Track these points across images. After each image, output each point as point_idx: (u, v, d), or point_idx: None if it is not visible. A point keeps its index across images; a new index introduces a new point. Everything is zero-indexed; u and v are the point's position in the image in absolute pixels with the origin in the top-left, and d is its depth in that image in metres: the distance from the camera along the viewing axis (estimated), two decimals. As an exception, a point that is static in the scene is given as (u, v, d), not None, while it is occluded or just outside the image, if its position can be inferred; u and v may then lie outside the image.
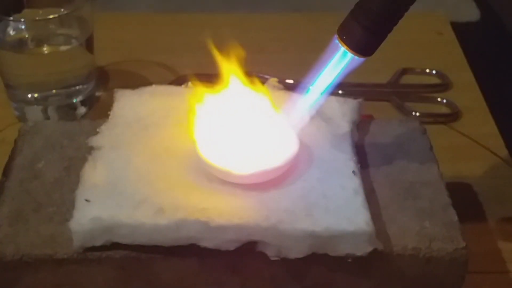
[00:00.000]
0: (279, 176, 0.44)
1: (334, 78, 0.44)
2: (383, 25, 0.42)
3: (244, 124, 0.46)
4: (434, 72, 0.66)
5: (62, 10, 0.57)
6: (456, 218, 0.43)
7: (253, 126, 0.46)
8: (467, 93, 0.63)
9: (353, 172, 0.44)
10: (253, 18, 0.75)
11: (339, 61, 0.44)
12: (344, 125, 0.48)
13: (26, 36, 0.59)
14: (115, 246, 0.41)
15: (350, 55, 0.43)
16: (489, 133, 0.59)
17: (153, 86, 0.52)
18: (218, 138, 0.45)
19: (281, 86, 0.52)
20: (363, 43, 0.42)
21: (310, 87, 0.45)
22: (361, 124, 0.50)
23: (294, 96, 0.47)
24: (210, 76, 0.49)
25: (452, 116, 0.61)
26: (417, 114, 0.60)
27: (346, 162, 0.45)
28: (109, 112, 0.49)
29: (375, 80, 0.64)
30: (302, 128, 0.46)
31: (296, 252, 0.41)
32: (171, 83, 0.62)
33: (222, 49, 0.69)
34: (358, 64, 0.44)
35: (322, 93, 0.45)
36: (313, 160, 0.45)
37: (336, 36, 0.43)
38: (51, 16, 0.57)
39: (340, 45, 0.43)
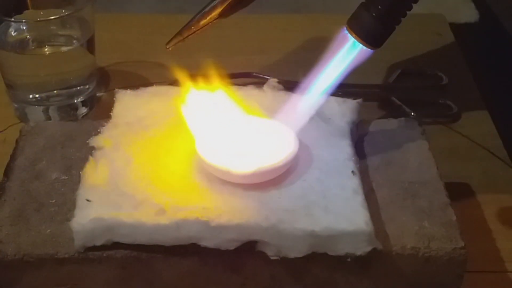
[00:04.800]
0: (279, 176, 0.44)
1: (342, 70, 0.44)
2: (394, 15, 0.43)
3: (244, 124, 0.46)
4: (433, 73, 0.66)
5: (63, 11, 0.57)
6: (454, 217, 0.43)
7: (252, 126, 0.46)
8: (466, 94, 0.63)
9: (352, 172, 0.45)
10: (253, 19, 0.75)
11: (347, 52, 0.44)
12: (343, 125, 0.48)
13: (28, 37, 0.59)
14: (116, 245, 0.41)
15: (359, 46, 0.43)
16: (487, 133, 0.59)
17: (154, 86, 0.52)
18: (218, 138, 0.45)
19: (281, 86, 0.52)
20: (373, 34, 0.43)
21: (317, 81, 0.45)
22: (360, 125, 0.50)
23: (294, 96, 0.47)
24: (209, 77, 0.50)
25: (450, 117, 0.61)
26: (416, 114, 0.60)
27: (346, 162, 0.45)
28: (110, 113, 0.50)
29: (375, 81, 0.64)
30: (302, 128, 0.46)
31: (296, 251, 0.41)
32: (172, 83, 0.62)
33: (221, 49, 0.69)
34: (365, 58, 0.44)
35: (328, 86, 0.45)
36: (312, 160, 0.46)
37: (345, 26, 0.43)
38: (52, 17, 0.57)
39: (349, 35, 0.43)
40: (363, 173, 0.46)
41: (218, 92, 0.47)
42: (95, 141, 0.47)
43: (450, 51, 0.69)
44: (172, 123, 0.48)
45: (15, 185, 0.46)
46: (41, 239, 0.42)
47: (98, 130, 0.48)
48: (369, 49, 0.44)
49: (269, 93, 0.51)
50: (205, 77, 0.47)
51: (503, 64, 0.70)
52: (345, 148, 0.47)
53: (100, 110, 0.60)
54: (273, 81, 0.52)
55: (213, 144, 0.45)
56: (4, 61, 0.58)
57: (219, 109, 0.46)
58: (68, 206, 0.44)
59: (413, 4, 0.43)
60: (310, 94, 0.45)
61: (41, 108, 0.59)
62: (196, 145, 0.44)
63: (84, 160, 0.46)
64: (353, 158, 0.46)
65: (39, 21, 0.58)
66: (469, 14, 0.76)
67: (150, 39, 0.71)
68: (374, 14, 0.42)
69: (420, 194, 0.45)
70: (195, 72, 0.63)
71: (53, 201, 0.44)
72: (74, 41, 0.60)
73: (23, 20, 0.59)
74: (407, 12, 0.43)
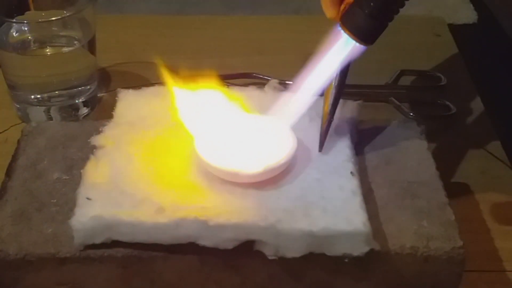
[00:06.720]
0: (279, 176, 0.44)
1: (335, 67, 0.45)
2: (386, 11, 0.43)
3: (240, 122, 0.46)
4: (431, 73, 0.66)
5: (65, 12, 0.58)
6: (453, 217, 0.43)
7: (249, 124, 0.46)
8: (464, 94, 0.64)
9: (351, 173, 0.45)
10: (253, 20, 0.75)
11: (341, 49, 0.44)
12: (343, 126, 0.49)
13: (29, 37, 0.59)
14: (117, 244, 0.42)
15: (352, 42, 0.43)
16: (485, 133, 0.59)
17: (156, 86, 0.52)
18: (217, 139, 0.45)
19: (282, 87, 0.52)
20: (366, 30, 0.43)
21: (311, 78, 0.45)
22: (359, 125, 0.50)
23: (293, 96, 0.47)
24: (209, 77, 0.50)
25: (449, 117, 0.61)
26: (415, 115, 0.61)
27: (345, 163, 0.46)
28: (111, 113, 0.50)
29: (374, 81, 0.64)
30: (296, 123, 0.46)
31: (294, 251, 0.41)
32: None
33: (222, 50, 0.70)
34: (358, 54, 0.44)
35: (322, 83, 0.45)
36: (311, 160, 0.46)
37: (339, 23, 0.44)
38: (54, 18, 0.57)
39: (342, 32, 0.44)
40: (362, 173, 0.46)
41: (212, 92, 0.47)
42: (97, 140, 0.47)
43: (449, 52, 0.69)
44: (172, 123, 0.48)
45: (17, 185, 0.46)
46: (43, 239, 0.42)
47: (99, 130, 0.48)
48: (362, 46, 0.44)
49: (270, 93, 0.51)
50: (205, 77, 0.47)
51: (502, 64, 0.71)
52: (345, 149, 0.47)
53: (101, 111, 0.60)
54: (274, 81, 0.52)
55: (214, 145, 0.45)
56: (6, 61, 0.58)
57: (213, 110, 0.46)
58: (69, 205, 0.44)
59: (406, 2, 0.43)
60: (305, 91, 0.46)
61: (43, 108, 0.59)
62: (197, 150, 0.44)
63: (85, 160, 0.46)
64: (352, 159, 0.46)
65: (41, 22, 0.59)
66: (467, 15, 0.77)
67: (150, 40, 0.71)
68: (366, 11, 0.43)
69: (419, 194, 0.45)
70: (196, 73, 0.64)
71: (55, 200, 0.45)
72: (75, 42, 0.60)
73: (25, 21, 0.59)
74: (400, 9, 0.43)
